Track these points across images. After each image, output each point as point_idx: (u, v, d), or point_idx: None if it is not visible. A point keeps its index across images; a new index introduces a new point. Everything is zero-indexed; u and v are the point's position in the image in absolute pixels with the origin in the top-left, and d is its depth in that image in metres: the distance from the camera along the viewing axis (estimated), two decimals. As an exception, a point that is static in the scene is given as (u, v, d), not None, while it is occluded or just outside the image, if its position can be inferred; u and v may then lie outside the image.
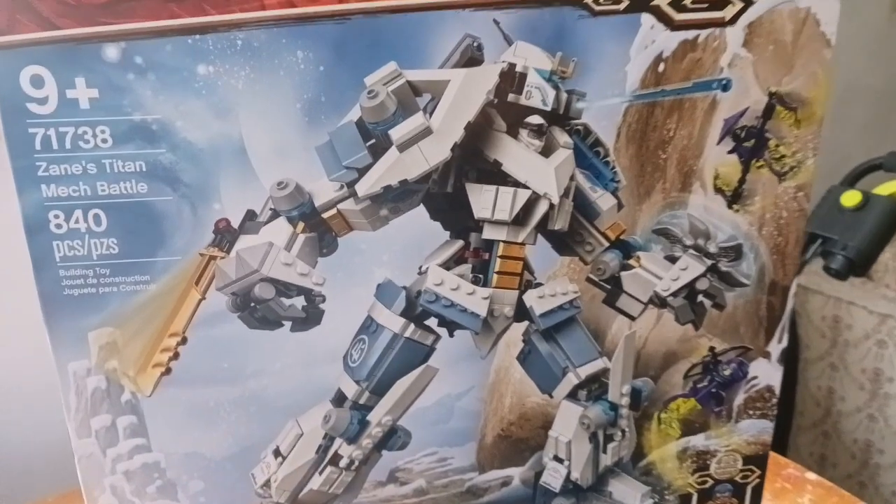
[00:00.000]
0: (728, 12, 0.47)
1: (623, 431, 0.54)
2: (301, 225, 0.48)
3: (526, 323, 0.52)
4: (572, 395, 0.53)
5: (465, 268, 0.49)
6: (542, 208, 0.47)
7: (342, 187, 0.47)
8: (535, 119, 0.47)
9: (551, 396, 0.54)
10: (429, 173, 0.45)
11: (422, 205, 0.49)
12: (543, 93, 0.46)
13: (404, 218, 0.48)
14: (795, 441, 1.34)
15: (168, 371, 0.50)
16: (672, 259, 0.52)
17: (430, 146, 0.44)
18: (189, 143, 0.45)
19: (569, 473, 0.54)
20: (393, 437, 0.52)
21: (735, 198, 0.51)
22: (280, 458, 0.52)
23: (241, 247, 0.47)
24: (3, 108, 0.44)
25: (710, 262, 0.52)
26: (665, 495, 0.59)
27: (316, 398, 0.52)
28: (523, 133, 0.47)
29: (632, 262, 0.52)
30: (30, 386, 0.72)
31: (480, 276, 0.49)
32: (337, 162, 0.45)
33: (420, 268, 0.50)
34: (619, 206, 0.50)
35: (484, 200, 0.47)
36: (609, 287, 0.52)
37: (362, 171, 0.45)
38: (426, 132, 0.44)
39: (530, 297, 0.50)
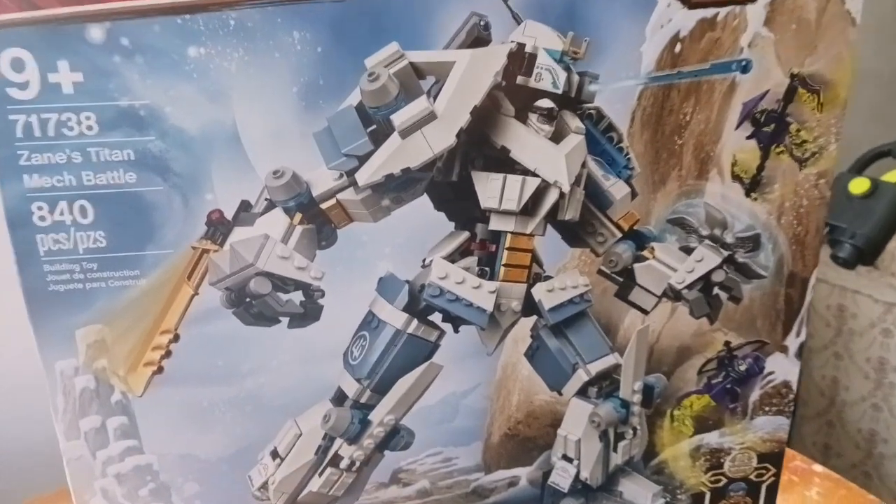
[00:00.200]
0: (748, -11, 0.45)
1: (634, 429, 0.53)
2: (298, 216, 0.46)
3: (534, 318, 0.51)
4: (582, 393, 0.52)
5: (471, 260, 0.48)
6: (552, 197, 0.46)
7: (341, 176, 0.46)
8: (546, 103, 0.45)
9: (560, 394, 0.53)
10: (433, 161, 0.44)
11: (425, 194, 0.47)
12: (554, 75, 0.45)
13: (407, 208, 0.47)
14: (799, 431, 1.34)
15: (160, 370, 0.48)
16: (687, 250, 0.51)
17: (434, 132, 0.43)
18: (179, 129, 0.44)
19: (578, 473, 0.53)
20: (395, 437, 0.51)
21: (753, 185, 0.50)
22: (278, 460, 0.51)
23: (235, 239, 0.46)
24: (-18, 94, 0.42)
25: (726, 253, 0.51)
26: (677, 495, 0.58)
27: (315, 397, 0.50)
28: (532, 118, 0.46)
29: (645, 253, 0.51)
30: (17, 382, 0.69)
31: (487, 269, 0.48)
32: (336, 149, 0.44)
33: (423, 261, 0.48)
34: (633, 194, 0.49)
35: (491, 189, 0.46)
36: (621, 280, 0.51)
37: (363, 159, 0.44)
38: (430, 117, 0.43)
39: (539, 291, 0.49)
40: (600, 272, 0.51)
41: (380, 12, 0.43)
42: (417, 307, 0.48)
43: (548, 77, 0.45)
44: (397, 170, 0.43)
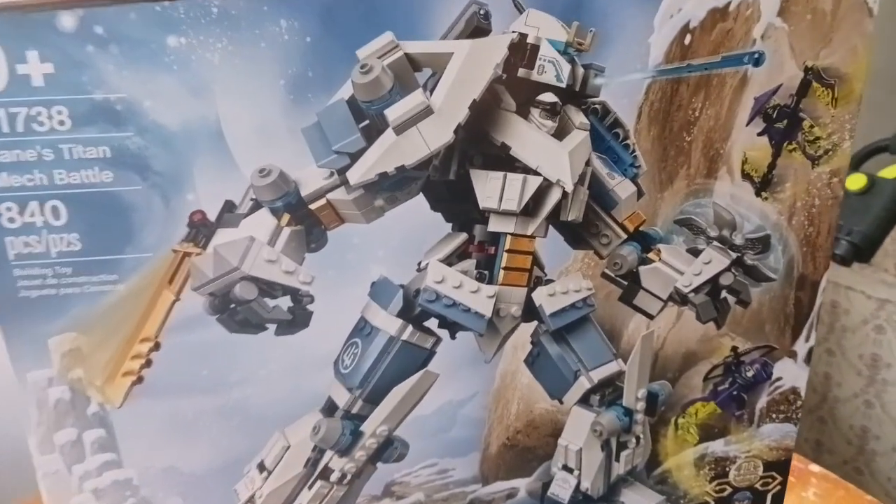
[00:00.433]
0: (763, -23, 0.45)
1: (637, 438, 0.52)
2: (286, 217, 0.45)
3: (535, 323, 0.50)
4: (584, 401, 0.51)
5: (469, 263, 0.47)
6: (554, 197, 0.45)
7: (332, 175, 0.44)
8: (549, 97, 0.44)
9: (561, 402, 0.51)
10: (429, 158, 0.42)
11: (421, 194, 0.46)
12: (558, 67, 0.44)
13: (401, 209, 0.46)
14: (791, 427, 1.34)
15: (140, 380, 0.47)
16: (695, 252, 0.50)
17: (430, 128, 0.42)
18: (159, 125, 0.42)
19: (579, 484, 0.52)
20: (389, 449, 0.50)
21: (764, 184, 0.49)
22: (265, 473, 0.50)
23: (218, 242, 0.44)
24: (-55, 86, 0.41)
25: (735, 255, 0.50)
26: (681, 504, 0.58)
27: (304, 408, 0.49)
28: (535, 113, 0.44)
29: (651, 255, 0.50)
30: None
31: (485, 272, 0.47)
32: (326, 146, 0.43)
33: (419, 264, 0.47)
34: (639, 194, 0.48)
35: (490, 189, 0.45)
36: (626, 283, 0.50)
37: (355, 157, 0.43)
38: (426, 112, 0.41)
39: (540, 296, 0.48)
40: (604, 275, 0.50)
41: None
42: (412, 313, 0.47)
43: (551, 70, 0.44)
44: (391, 168, 0.42)
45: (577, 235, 0.49)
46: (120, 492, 0.50)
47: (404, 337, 0.47)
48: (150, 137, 0.42)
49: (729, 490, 0.58)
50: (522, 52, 0.43)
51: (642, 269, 0.50)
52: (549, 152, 0.44)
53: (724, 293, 0.51)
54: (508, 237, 0.46)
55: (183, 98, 0.42)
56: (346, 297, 0.47)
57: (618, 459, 0.52)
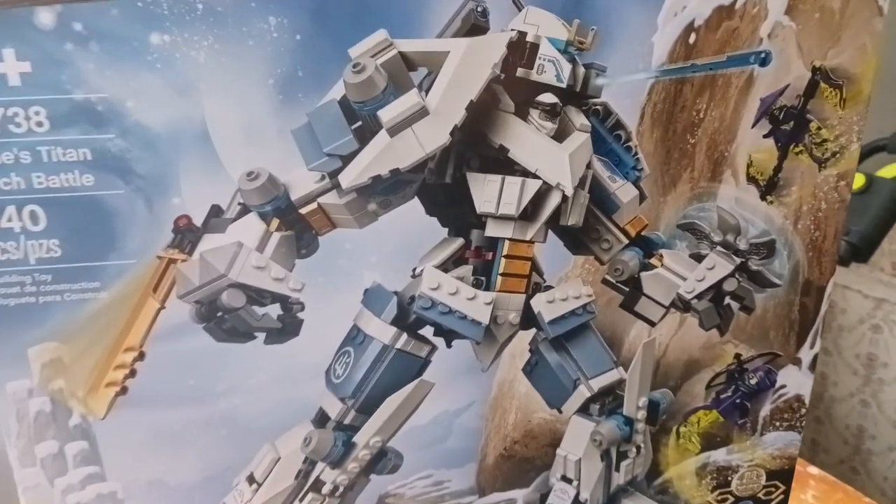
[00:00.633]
0: (770, -26, 0.45)
1: (638, 448, 0.52)
2: (275, 222, 0.44)
3: (533, 331, 0.49)
4: (583, 410, 0.50)
5: (466, 269, 0.46)
6: (553, 201, 0.44)
7: (323, 178, 0.44)
8: (548, 97, 0.43)
9: (560, 411, 0.51)
10: (424, 161, 0.42)
11: (416, 198, 0.46)
12: (558, 67, 0.43)
13: (395, 213, 0.45)
14: (787, 427, 1.35)
15: (124, 390, 0.46)
16: (698, 257, 0.50)
17: (426, 129, 0.41)
18: (142, 126, 0.41)
19: (578, 494, 0.51)
20: (383, 460, 0.49)
21: (770, 188, 0.49)
22: (255, 485, 0.48)
23: (205, 248, 0.43)
24: (-82, 86, 0.40)
25: (739, 261, 0.49)
26: (682, 515, 0.58)
27: (295, 419, 0.48)
28: (534, 114, 0.44)
29: (653, 261, 0.49)
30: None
31: (482, 278, 0.46)
32: (317, 148, 0.42)
33: (414, 270, 0.47)
34: (642, 197, 0.48)
35: (487, 192, 0.44)
36: (627, 289, 0.50)
37: (347, 159, 0.42)
38: (422, 113, 0.41)
39: (539, 302, 0.47)
40: (605, 281, 0.50)
41: (366, -4, 0.41)
42: (407, 320, 0.46)
43: (551, 69, 0.43)
44: (385, 171, 0.41)
45: (578, 240, 0.49)
46: (104, 505, 0.49)
47: (398, 345, 0.46)
48: (133, 139, 0.42)
49: (731, 500, 0.58)
50: (521, 50, 0.43)
51: (644, 274, 0.49)
52: (548, 155, 0.43)
53: (727, 299, 0.50)
54: (506, 242, 0.45)
55: (167, 98, 0.41)
56: (338, 304, 0.47)
57: (618, 469, 0.52)
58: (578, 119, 0.45)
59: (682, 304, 0.49)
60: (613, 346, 0.51)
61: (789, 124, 0.47)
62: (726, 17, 0.44)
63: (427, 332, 0.47)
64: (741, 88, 0.46)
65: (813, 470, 0.78)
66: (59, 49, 0.39)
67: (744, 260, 0.49)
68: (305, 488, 0.48)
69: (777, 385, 0.54)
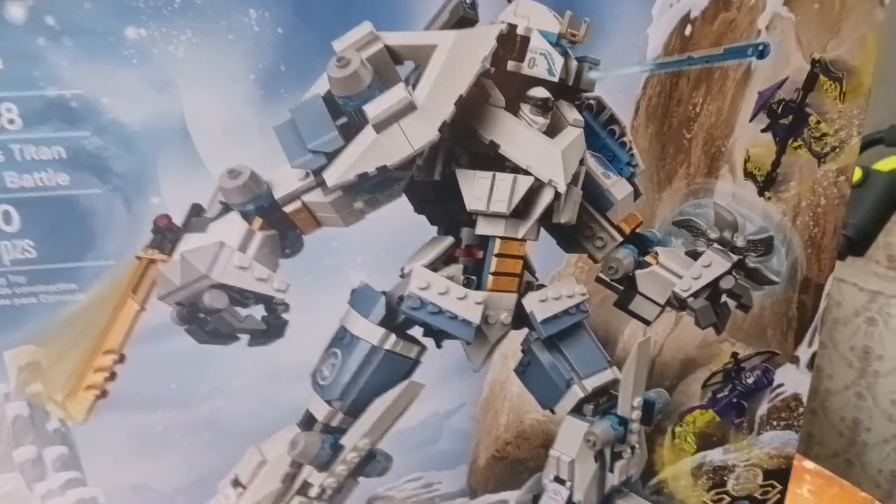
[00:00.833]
0: (768, -36, 0.44)
1: (633, 448, 0.51)
2: (258, 221, 0.44)
3: (525, 330, 0.49)
4: (577, 410, 0.50)
5: (456, 268, 0.46)
6: (546, 198, 0.44)
7: (307, 175, 0.43)
8: (540, 92, 0.43)
9: (553, 412, 0.50)
10: (412, 158, 0.41)
11: (404, 195, 0.46)
12: (550, 60, 0.43)
13: (383, 211, 0.45)
14: (782, 420, 1.36)
15: (104, 394, 0.45)
16: (694, 255, 0.49)
17: (413, 125, 0.41)
18: (119, 124, 0.41)
19: (571, 496, 0.51)
20: (371, 462, 0.48)
21: (768, 184, 0.49)
22: (240, 489, 0.48)
23: (185, 248, 0.43)
24: None
25: (736, 258, 0.49)
26: (677, 515, 0.58)
27: (280, 421, 0.48)
28: (525, 109, 0.43)
29: (648, 258, 0.49)
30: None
31: (473, 277, 0.46)
32: (301, 145, 0.42)
33: (402, 269, 0.46)
34: (636, 194, 0.48)
35: (478, 189, 0.44)
36: (622, 288, 0.50)
37: (332, 156, 0.42)
38: (409, 108, 0.40)
39: (531, 301, 0.47)
40: (599, 280, 0.50)
41: (350, -13, 0.41)
42: (395, 321, 0.46)
43: (543, 63, 0.43)
44: (372, 168, 0.41)
45: (571, 238, 0.49)
46: (85, 511, 0.49)
47: (387, 346, 0.46)
48: (109, 137, 0.41)
49: (727, 500, 0.58)
50: (512, 43, 0.42)
51: (639, 273, 0.49)
52: (540, 151, 0.43)
53: (724, 297, 0.50)
54: (498, 240, 0.45)
55: (144, 94, 0.41)
56: (324, 305, 0.46)
57: (612, 470, 0.51)
58: (571, 114, 0.44)
59: (677, 303, 0.49)
60: (607, 346, 0.51)
61: (788, 118, 0.47)
62: (723, 9, 0.44)
63: (416, 332, 0.47)
64: (738, 82, 0.46)
65: (808, 464, 0.78)
66: (30, 44, 0.39)
67: (741, 257, 0.49)
68: (292, 492, 0.48)
69: (774, 384, 0.54)
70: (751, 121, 0.47)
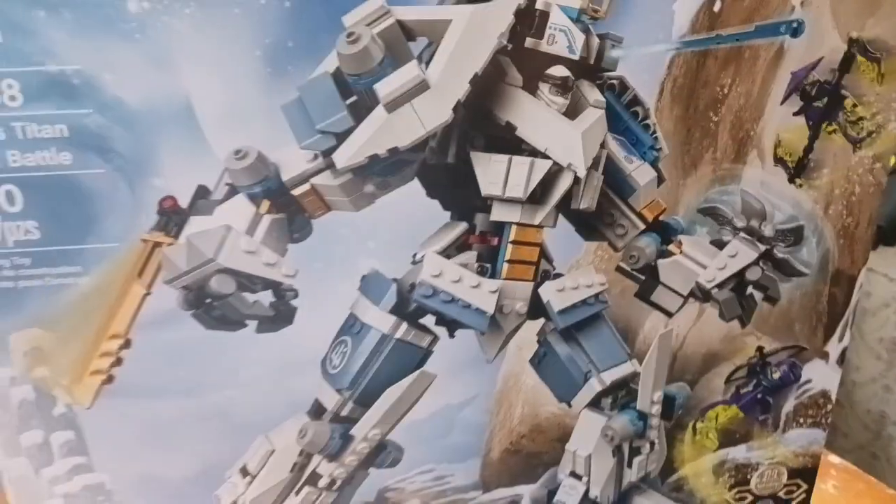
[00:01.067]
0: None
1: (652, 443, 0.51)
2: (266, 204, 0.44)
3: (541, 321, 0.48)
4: (594, 404, 0.50)
5: (470, 255, 0.45)
6: (564, 183, 0.43)
7: (316, 157, 0.43)
8: (560, 71, 0.42)
9: (570, 405, 0.50)
10: (425, 139, 0.41)
11: (416, 179, 0.45)
12: (570, 37, 0.42)
13: (394, 195, 0.44)
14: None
15: (110, 379, 0.45)
16: (720, 244, 0.49)
17: (426, 105, 0.40)
18: (121, 101, 0.40)
19: (587, 491, 0.51)
20: (382, 453, 0.48)
21: (799, 170, 0.48)
22: (248, 478, 0.48)
23: (191, 231, 0.43)
24: None
25: (763, 248, 0.49)
26: (697, 513, 0.57)
27: (289, 410, 0.47)
28: (544, 88, 0.43)
29: (672, 247, 0.48)
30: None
31: (488, 265, 0.45)
32: (309, 125, 0.41)
33: (414, 256, 0.46)
34: (660, 180, 0.47)
35: (493, 173, 0.43)
36: (643, 278, 0.49)
37: (341, 137, 0.41)
38: (422, 87, 0.40)
39: (548, 291, 0.46)
40: (619, 269, 0.49)
41: (361, -41, 0.41)
42: (407, 309, 0.45)
43: (563, 40, 0.42)
44: (383, 150, 0.40)
45: (590, 225, 0.48)
46: (92, 497, 0.48)
47: (398, 335, 0.45)
48: (111, 115, 0.41)
49: (750, 498, 0.57)
50: (530, 19, 0.42)
51: (661, 262, 0.48)
52: (559, 133, 0.43)
53: (750, 289, 0.49)
54: (513, 227, 0.44)
55: (147, 71, 0.40)
56: (334, 291, 0.46)
57: (630, 466, 0.51)
58: (592, 94, 0.44)
59: (701, 294, 0.49)
60: (627, 338, 0.50)
61: (822, 101, 0.46)
62: (755, -16, 0.44)
63: (429, 321, 0.46)
64: (770, 62, 0.45)
65: (834, 458, 0.77)
66: (29, 17, 0.38)
67: (769, 247, 0.49)
68: (301, 481, 0.48)
69: (802, 380, 0.54)
70: (782, 103, 0.46)
